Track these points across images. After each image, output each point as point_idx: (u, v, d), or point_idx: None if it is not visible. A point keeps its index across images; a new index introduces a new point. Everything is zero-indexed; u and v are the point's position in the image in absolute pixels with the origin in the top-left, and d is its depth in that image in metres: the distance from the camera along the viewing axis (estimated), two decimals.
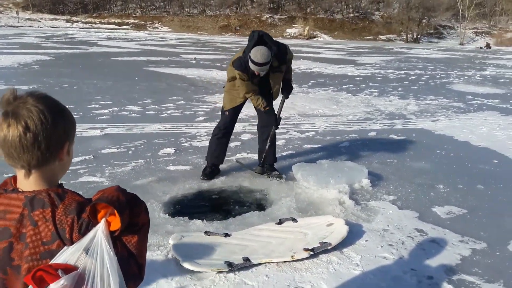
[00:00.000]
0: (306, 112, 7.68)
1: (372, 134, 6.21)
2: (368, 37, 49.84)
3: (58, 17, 55.09)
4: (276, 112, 4.15)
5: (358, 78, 13.03)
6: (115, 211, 0.93)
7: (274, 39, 3.97)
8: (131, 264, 0.99)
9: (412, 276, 2.56)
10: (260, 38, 3.82)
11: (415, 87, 11.57)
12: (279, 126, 4.23)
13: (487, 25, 54.20)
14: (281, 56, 3.90)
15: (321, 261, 2.67)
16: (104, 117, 6.51)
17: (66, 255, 0.91)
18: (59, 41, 25.18)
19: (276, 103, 4.20)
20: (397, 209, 3.53)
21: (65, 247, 0.94)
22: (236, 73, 3.87)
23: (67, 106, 1.09)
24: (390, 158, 4.98)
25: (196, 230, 3.00)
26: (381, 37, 50.31)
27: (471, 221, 3.41)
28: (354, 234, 3.02)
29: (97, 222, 0.94)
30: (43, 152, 0.97)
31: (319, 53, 24.77)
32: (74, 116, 1.10)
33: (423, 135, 6.25)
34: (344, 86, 11.20)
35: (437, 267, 2.68)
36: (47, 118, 0.97)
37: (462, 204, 3.71)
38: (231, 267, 2.49)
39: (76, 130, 1.13)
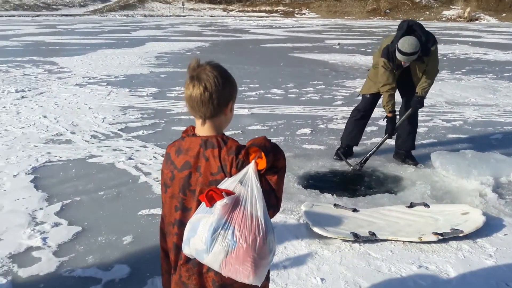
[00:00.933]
0: (455, 100, 7.15)
1: None
2: None
3: (216, 6, 60.62)
4: (397, 121, 4.03)
5: None
6: (263, 154, 1.23)
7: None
8: (271, 196, 1.29)
9: None
10: (409, 28, 3.77)
11: None
12: (392, 137, 4.13)
13: None
14: (426, 46, 3.78)
15: (450, 247, 2.64)
16: (252, 98, 7.19)
17: (227, 184, 1.24)
18: (216, 29, 27.71)
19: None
20: None
21: (226, 178, 1.27)
22: (381, 60, 3.89)
23: None
24: None
25: (325, 202, 3.23)
26: None
27: None
28: (491, 226, 2.88)
29: (249, 162, 1.26)
30: (215, 107, 1.31)
31: (480, 37, 22.15)
32: None
33: None
34: (506, 74, 9.97)
35: None
36: (219, 81, 1.30)
37: None
38: (357, 237, 2.66)
39: None
